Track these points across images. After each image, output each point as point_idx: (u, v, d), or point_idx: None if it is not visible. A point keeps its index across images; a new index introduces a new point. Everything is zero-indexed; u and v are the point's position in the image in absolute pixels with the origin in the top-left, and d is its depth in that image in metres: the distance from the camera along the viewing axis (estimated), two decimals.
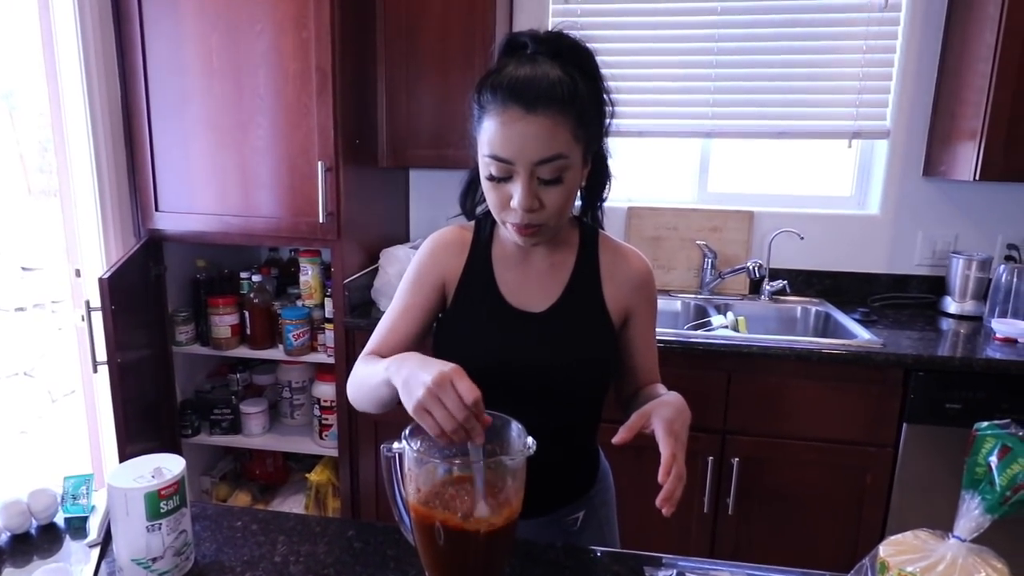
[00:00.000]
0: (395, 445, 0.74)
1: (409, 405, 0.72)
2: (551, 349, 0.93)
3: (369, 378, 0.86)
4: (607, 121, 0.91)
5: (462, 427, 0.69)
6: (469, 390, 0.69)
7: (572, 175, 0.84)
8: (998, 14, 1.73)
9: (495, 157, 0.82)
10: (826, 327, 2.02)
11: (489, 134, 0.82)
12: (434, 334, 1.00)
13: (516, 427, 0.75)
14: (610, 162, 0.99)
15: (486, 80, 0.83)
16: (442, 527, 0.69)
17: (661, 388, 0.99)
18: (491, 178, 0.84)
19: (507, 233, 0.90)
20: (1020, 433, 0.76)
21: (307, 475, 2.09)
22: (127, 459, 0.84)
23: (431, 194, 2.42)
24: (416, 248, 1.04)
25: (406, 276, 1.01)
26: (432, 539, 0.70)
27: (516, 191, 0.82)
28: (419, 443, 0.73)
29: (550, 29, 0.85)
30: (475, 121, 0.86)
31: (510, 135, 0.80)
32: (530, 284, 0.96)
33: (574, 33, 0.85)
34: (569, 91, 0.80)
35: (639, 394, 1.00)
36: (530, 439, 0.72)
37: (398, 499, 0.78)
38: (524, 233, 0.86)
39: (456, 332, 0.97)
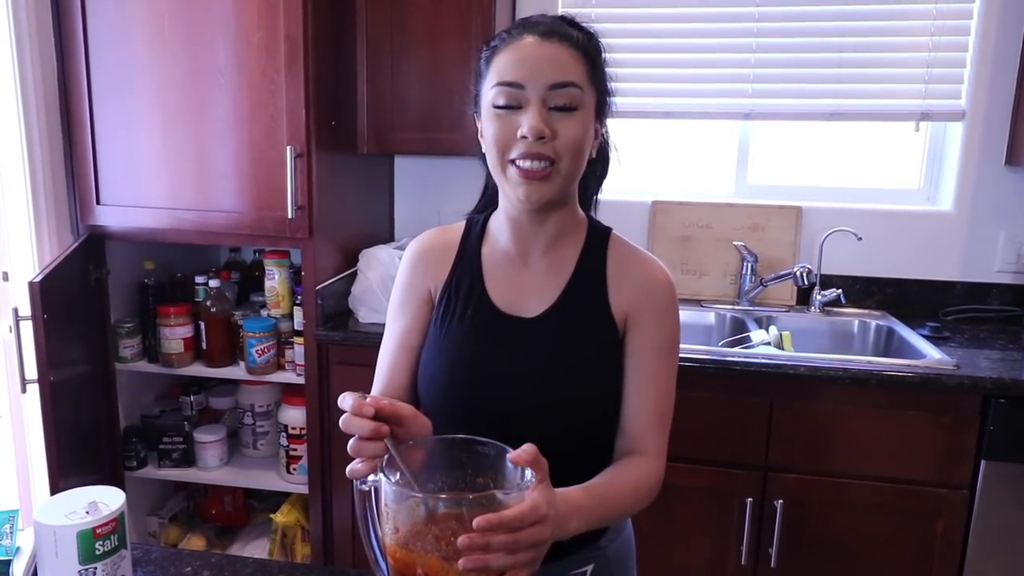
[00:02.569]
0: (371, 477, 0.75)
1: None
2: (546, 359, 0.94)
3: None
4: (609, 101, 0.97)
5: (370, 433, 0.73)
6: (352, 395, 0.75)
7: (585, 116, 0.90)
8: None
9: (504, 83, 0.88)
10: (888, 345, 2.02)
11: (499, 66, 0.89)
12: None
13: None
14: (612, 153, 1.05)
15: (497, 33, 0.94)
16: (424, 575, 0.70)
17: (634, 468, 0.93)
18: (497, 107, 0.89)
19: (507, 192, 0.92)
20: None
21: (272, 516, 2.10)
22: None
23: (419, 185, 2.44)
24: (403, 248, 1.07)
25: (392, 298, 1.05)
26: None
27: (525, 118, 0.87)
28: (398, 475, 0.75)
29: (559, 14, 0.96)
30: (483, 69, 0.93)
31: (522, 58, 0.88)
32: (524, 286, 0.99)
33: (582, 19, 0.96)
34: (583, 39, 0.91)
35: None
36: (528, 471, 0.73)
37: (373, 541, 0.79)
38: (532, 176, 0.88)
39: (436, 342, 0.99)
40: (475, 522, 0.65)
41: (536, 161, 0.87)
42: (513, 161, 0.89)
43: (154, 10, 1.82)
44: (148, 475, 2.13)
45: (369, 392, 0.97)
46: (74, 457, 1.89)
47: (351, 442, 0.75)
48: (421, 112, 2.04)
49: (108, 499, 0.85)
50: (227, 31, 1.79)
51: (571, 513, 0.77)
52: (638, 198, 2.30)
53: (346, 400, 0.74)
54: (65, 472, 1.82)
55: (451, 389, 0.96)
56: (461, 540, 0.65)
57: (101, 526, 0.81)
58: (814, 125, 2.27)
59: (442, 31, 1.99)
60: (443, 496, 0.76)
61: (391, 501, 0.71)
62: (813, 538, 1.76)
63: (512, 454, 0.72)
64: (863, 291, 2.22)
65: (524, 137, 0.86)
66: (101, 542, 0.81)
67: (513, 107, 0.88)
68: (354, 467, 0.74)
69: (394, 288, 1.05)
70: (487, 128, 0.91)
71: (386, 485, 0.71)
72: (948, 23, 2.09)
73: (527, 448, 0.71)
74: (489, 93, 0.90)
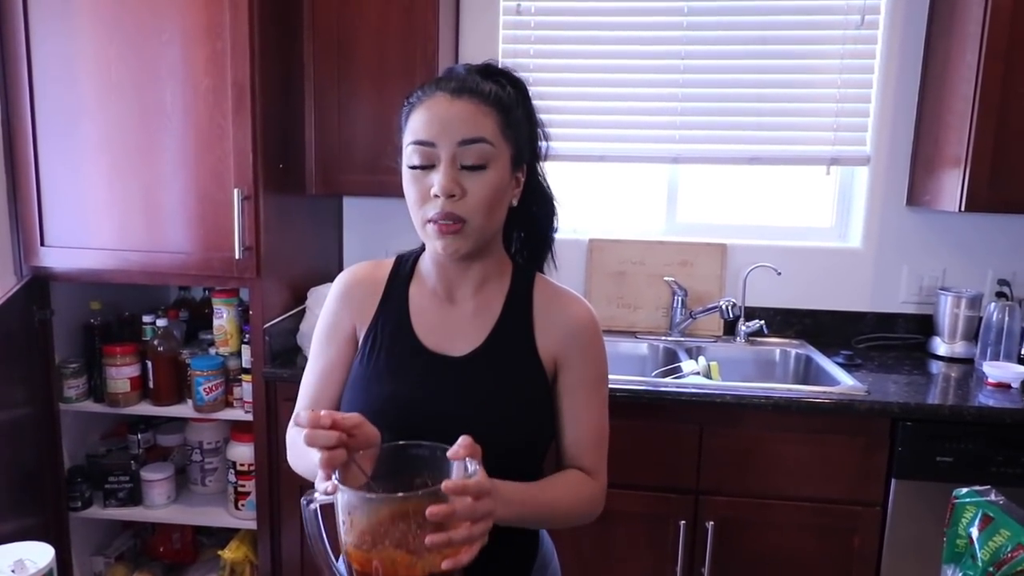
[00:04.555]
0: (318, 495, 0.74)
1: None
2: (472, 398, 0.93)
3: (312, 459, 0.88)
4: (541, 145, 0.98)
5: (333, 447, 0.74)
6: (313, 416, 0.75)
7: (498, 170, 0.89)
8: (979, 32, 1.82)
9: (417, 142, 0.88)
10: (807, 372, 2.06)
11: (414, 124, 0.89)
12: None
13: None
14: (552, 191, 1.03)
15: (414, 90, 0.93)
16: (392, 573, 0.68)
17: (572, 475, 0.97)
18: (413, 167, 0.89)
19: (428, 244, 0.93)
20: (1002, 500, 0.78)
21: (220, 552, 2.00)
22: None
23: (367, 225, 2.41)
24: (332, 288, 1.04)
25: (318, 328, 1.02)
26: None
27: (436, 177, 0.86)
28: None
29: (485, 61, 0.96)
30: (402, 124, 0.92)
31: (432, 117, 0.87)
32: (451, 326, 0.97)
33: (507, 66, 0.96)
34: (497, 94, 0.90)
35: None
36: (469, 462, 0.74)
37: (330, 553, 0.77)
38: (444, 230, 0.87)
39: (362, 379, 0.96)
40: (443, 485, 0.68)
41: (447, 221, 0.87)
42: (430, 219, 0.88)
43: (100, 54, 1.76)
44: (93, 515, 2.01)
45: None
46: (13, 500, 1.77)
47: (321, 456, 0.74)
48: (368, 154, 2.02)
49: (36, 556, 0.79)
50: (174, 76, 1.74)
51: (510, 501, 0.81)
52: (576, 236, 2.31)
53: (302, 416, 0.75)
54: (2, 516, 1.71)
55: (377, 426, 0.92)
56: (430, 510, 0.67)
57: None
58: (736, 168, 2.32)
59: (388, 76, 1.98)
60: (405, 493, 0.75)
61: (353, 508, 0.70)
62: (742, 557, 1.76)
63: (451, 451, 0.75)
64: (783, 322, 2.27)
65: (437, 196, 0.86)
66: None
67: (427, 167, 0.88)
68: (326, 483, 0.73)
69: (321, 316, 1.02)
70: (406, 187, 0.90)
71: (346, 494, 0.70)
72: (852, 76, 2.17)
73: (462, 441, 0.75)
74: (406, 151, 0.89)
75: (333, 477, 0.72)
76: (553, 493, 0.92)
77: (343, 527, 0.70)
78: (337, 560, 0.77)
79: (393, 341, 0.96)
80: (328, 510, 0.74)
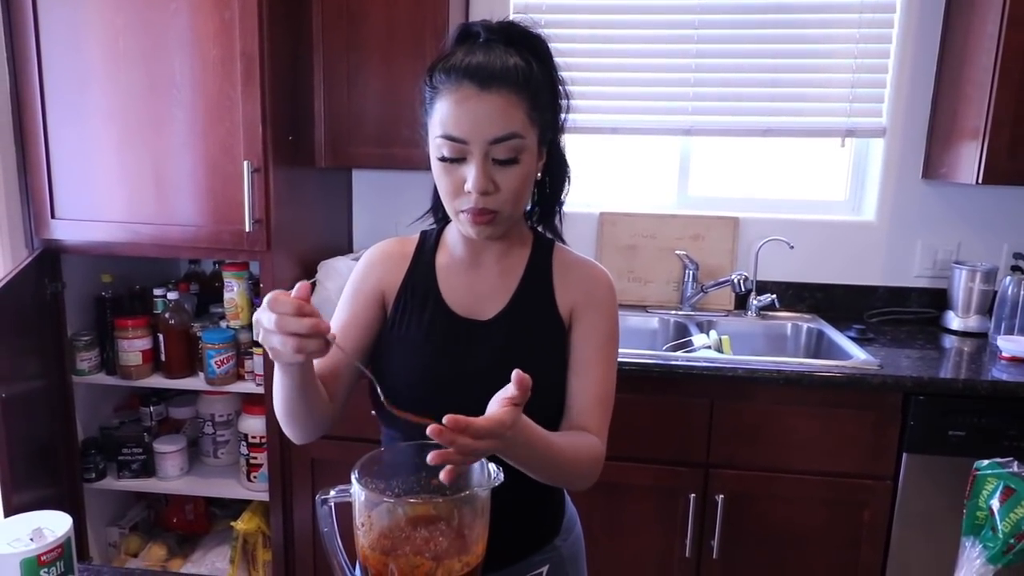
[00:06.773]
0: (333, 493, 0.73)
1: (269, 352, 0.76)
2: (500, 358, 0.94)
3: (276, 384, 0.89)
4: (563, 112, 0.97)
5: (304, 336, 0.73)
6: (286, 295, 0.74)
7: (528, 158, 0.89)
8: (1000, 1, 1.79)
9: (448, 136, 0.86)
10: (819, 346, 2.06)
11: (442, 114, 0.87)
12: (373, 353, 1.02)
13: None
14: (568, 159, 1.04)
15: (438, 63, 0.90)
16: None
17: (579, 435, 0.94)
18: (443, 159, 0.88)
19: (459, 227, 0.95)
20: None
21: (233, 523, 2.03)
22: (15, 511, 0.81)
23: (377, 198, 2.40)
24: (359, 259, 1.06)
25: (343, 293, 1.04)
26: None
27: (470, 173, 0.87)
28: (381, 481, 0.73)
29: (503, 20, 0.92)
30: (427, 104, 0.91)
31: (463, 113, 0.85)
32: (477, 291, 1.00)
33: (527, 22, 0.93)
34: (524, 73, 0.87)
35: None
36: (492, 466, 0.73)
37: (343, 555, 0.77)
38: (478, 221, 0.89)
39: (394, 345, 0.99)
40: (445, 419, 0.67)
41: (481, 215, 0.89)
42: (463, 210, 0.90)
43: (108, 25, 1.74)
44: (107, 487, 2.03)
45: None
46: (29, 472, 1.79)
47: (291, 343, 0.72)
48: (378, 127, 2.00)
49: (54, 524, 0.80)
50: (183, 48, 1.73)
51: (521, 442, 0.78)
52: (588, 210, 2.30)
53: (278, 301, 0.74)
54: (19, 487, 1.72)
55: (411, 389, 0.95)
56: (431, 428, 0.66)
57: (46, 553, 0.76)
58: (749, 141, 2.29)
59: (398, 47, 1.96)
60: (427, 497, 0.74)
61: (372, 509, 0.69)
62: (752, 530, 1.77)
63: (514, 375, 0.73)
64: (795, 296, 2.26)
65: (470, 192, 0.87)
66: (47, 569, 0.76)
67: (458, 160, 0.88)
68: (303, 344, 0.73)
69: (348, 282, 1.04)
70: (436, 176, 0.91)
71: (366, 494, 0.69)
72: (870, 46, 2.14)
73: (522, 376, 0.73)
74: (435, 141, 0.89)
75: (353, 473, 0.71)
76: (562, 441, 0.90)
77: (360, 528, 0.70)
78: (353, 567, 0.77)
79: (423, 307, 0.99)
80: (343, 509, 0.73)
